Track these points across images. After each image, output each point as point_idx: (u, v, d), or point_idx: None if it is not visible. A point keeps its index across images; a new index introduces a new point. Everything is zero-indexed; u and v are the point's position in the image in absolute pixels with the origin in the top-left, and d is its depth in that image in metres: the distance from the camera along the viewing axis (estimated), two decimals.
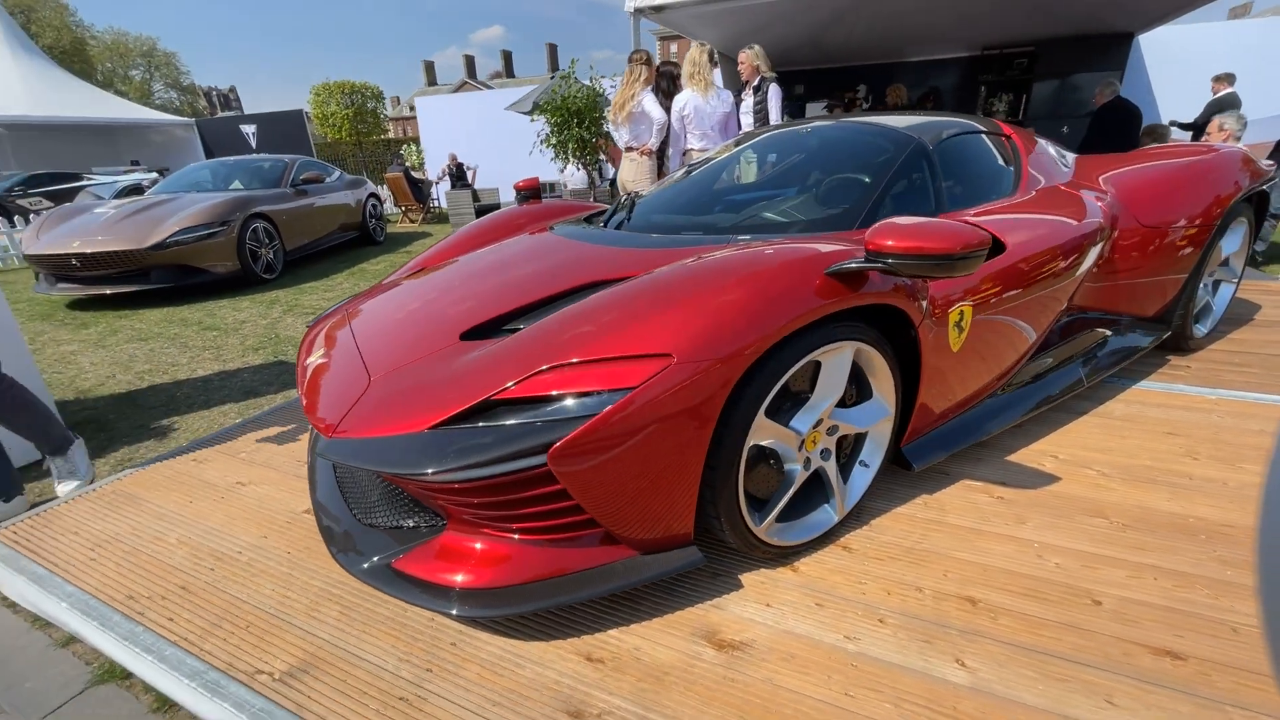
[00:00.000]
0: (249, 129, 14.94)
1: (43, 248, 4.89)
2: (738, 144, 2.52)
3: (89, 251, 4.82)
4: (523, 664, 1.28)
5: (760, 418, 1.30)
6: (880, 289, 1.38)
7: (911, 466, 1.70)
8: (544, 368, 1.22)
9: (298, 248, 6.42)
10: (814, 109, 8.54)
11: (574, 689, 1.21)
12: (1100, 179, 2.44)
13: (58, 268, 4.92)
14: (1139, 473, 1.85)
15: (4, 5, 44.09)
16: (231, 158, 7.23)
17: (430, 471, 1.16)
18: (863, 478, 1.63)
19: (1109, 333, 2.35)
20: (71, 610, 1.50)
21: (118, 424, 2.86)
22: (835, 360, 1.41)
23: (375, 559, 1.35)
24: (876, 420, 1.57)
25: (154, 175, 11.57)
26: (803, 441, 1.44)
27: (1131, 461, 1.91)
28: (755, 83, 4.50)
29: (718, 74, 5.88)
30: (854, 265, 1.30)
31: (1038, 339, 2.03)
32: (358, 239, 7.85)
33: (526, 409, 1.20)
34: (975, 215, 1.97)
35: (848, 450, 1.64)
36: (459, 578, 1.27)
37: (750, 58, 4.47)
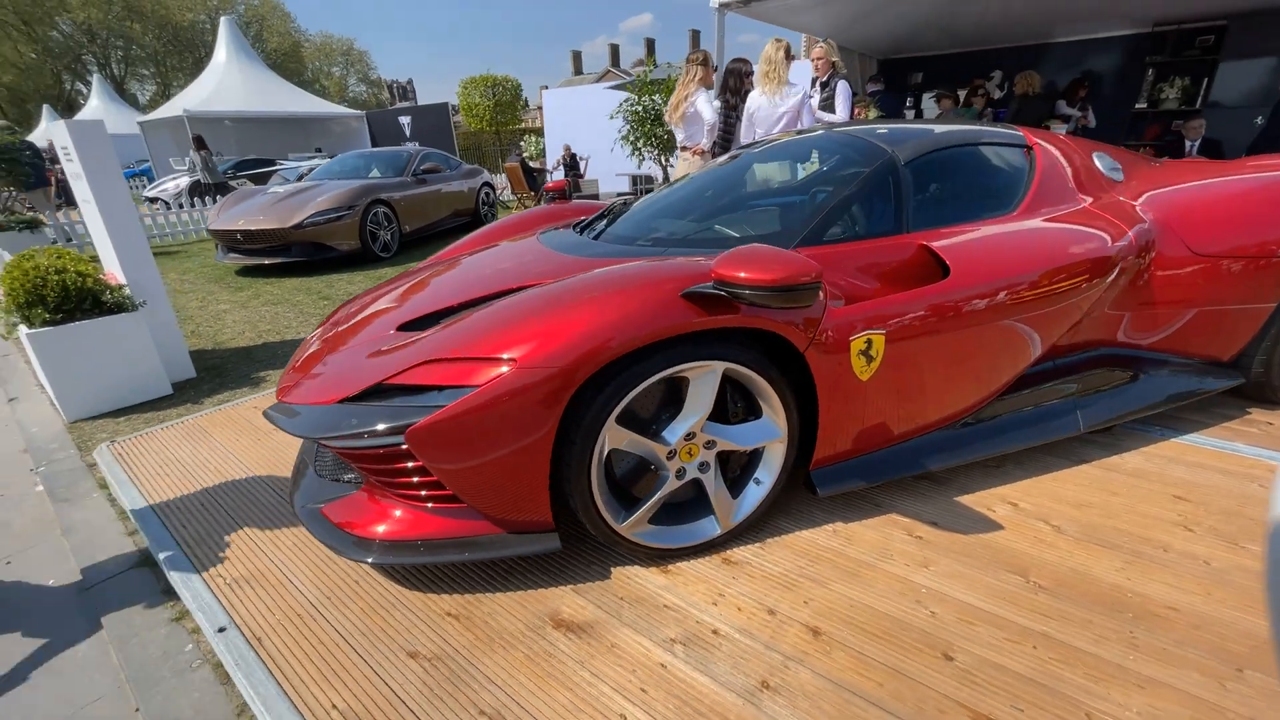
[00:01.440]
0: (405, 120, 16.85)
1: (219, 224, 6.08)
2: (731, 156, 2.51)
3: (249, 228, 5.90)
4: (399, 608, 1.52)
5: (612, 424, 1.40)
6: (747, 313, 1.40)
7: (816, 491, 1.68)
8: (421, 361, 1.43)
9: (414, 230, 7.27)
10: (930, 102, 7.79)
11: (427, 636, 1.42)
12: (1142, 199, 2.11)
13: (228, 240, 6.08)
14: (1103, 535, 1.66)
15: (243, 15, 53.13)
16: (370, 149, 8.32)
17: (323, 437, 1.43)
18: (754, 495, 1.65)
19: (1130, 374, 2.06)
20: (136, 510, 2.01)
21: (230, 371, 3.57)
22: (703, 378, 1.45)
23: (310, 503, 1.66)
24: (762, 440, 1.58)
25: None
26: (674, 451, 1.51)
27: (1103, 522, 1.71)
28: (825, 78, 4.32)
29: (804, 68, 5.69)
30: (704, 289, 1.34)
31: (1010, 373, 1.85)
32: (470, 223, 8.64)
33: (404, 395, 1.42)
34: (945, 235, 1.85)
35: (741, 466, 1.67)
36: (361, 528, 1.53)
37: (827, 52, 4.29)
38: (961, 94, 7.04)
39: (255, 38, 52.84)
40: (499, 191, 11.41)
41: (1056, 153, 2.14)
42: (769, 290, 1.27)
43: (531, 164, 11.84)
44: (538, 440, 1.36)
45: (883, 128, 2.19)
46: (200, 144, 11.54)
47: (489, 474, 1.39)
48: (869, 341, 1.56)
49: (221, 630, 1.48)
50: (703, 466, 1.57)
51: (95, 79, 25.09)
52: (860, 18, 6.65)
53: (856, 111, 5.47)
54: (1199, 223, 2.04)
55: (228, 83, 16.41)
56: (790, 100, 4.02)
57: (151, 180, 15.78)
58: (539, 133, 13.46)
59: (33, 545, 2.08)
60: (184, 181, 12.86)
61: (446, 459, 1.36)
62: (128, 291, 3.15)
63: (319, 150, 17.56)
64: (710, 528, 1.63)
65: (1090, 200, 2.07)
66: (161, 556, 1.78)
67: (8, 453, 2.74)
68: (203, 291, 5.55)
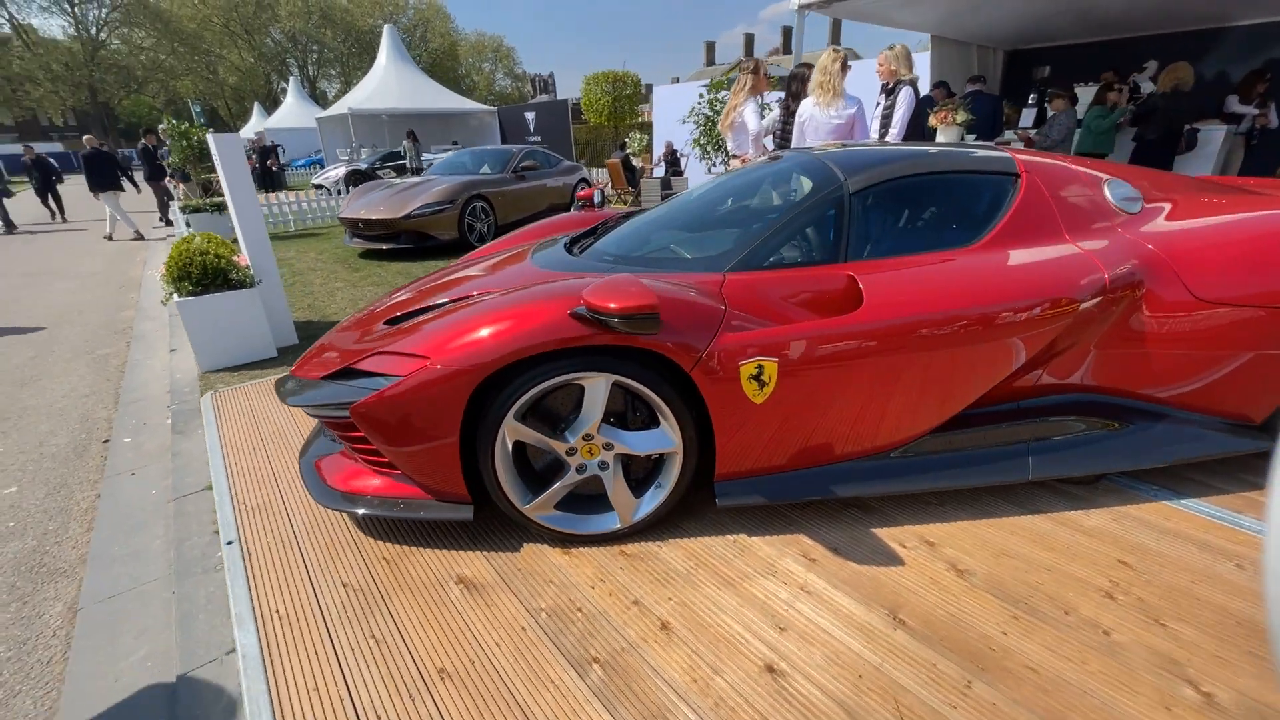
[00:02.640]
0: (530, 115, 18.02)
1: (347, 212, 7.09)
2: (716, 177, 2.59)
3: (368, 218, 6.83)
4: (350, 548, 1.88)
5: (510, 420, 1.64)
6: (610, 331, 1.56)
7: (716, 500, 1.80)
8: (377, 352, 1.76)
9: (510, 222, 7.92)
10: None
11: (361, 572, 1.77)
12: (1155, 234, 1.91)
13: (353, 227, 7.08)
14: (1007, 588, 1.61)
15: (412, 19, 58.80)
16: (481, 148, 9.12)
17: (301, 405, 1.82)
18: (653, 498, 1.80)
19: (1115, 425, 1.90)
20: (212, 447, 2.60)
21: None
22: (594, 387, 1.64)
23: (313, 458, 2.09)
24: (657, 448, 1.73)
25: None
26: (574, 449, 1.72)
27: (1016, 576, 1.65)
28: (891, 85, 4.14)
29: (862, 78, 5.45)
30: (580, 311, 1.53)
31: (942, 409, 1.81)
32: None
33: (361, 377, 1.76)
34: (884, 267, 1.85)
35: (647, 470, 1.83)
36: (334, 480, 1.92)
37: (888, 59, 4.11)
38: (1084, 90, 6.25)
39: (420, 39, 58.78)
40: (600, 187, 11.96)
41: (1047, 182, 1.99)
42: (613, 317, 1.43)
43: (634, 160, 12.21)
44: (446, 426, 1.63)
45: (861, 151, 2.17)
46: (412, 136, 13.80)
47: (411, 449, 1.69)
48: (760, 367, 1.64)
49: (230, 543, 1.94)
50: (602, 465, 1.76)
51: (292, 80, 29.42)
52: (974, 7, 6.10)
53: (942, 116, 5.12)
54: (1211, 264, 1.82)
55: (385, 83, 18.58)
56: (845, 112, 3.92)
57: (324, 169, 18.41)
58: (643, 128, 13.82)
59: (152, 464, 2.75)
60: (342, 170, 14.87)
61: (378, 433, 1.68)
62: (250, 271, 3.92)
63: (455, 143, 19.32)
64: (611, 522, 1.81)
65: (1078, 235, 1.92)
66: (215, 486, 2.32)
67: (157, 393, 3.57)
68: (328, 270, 6.54)
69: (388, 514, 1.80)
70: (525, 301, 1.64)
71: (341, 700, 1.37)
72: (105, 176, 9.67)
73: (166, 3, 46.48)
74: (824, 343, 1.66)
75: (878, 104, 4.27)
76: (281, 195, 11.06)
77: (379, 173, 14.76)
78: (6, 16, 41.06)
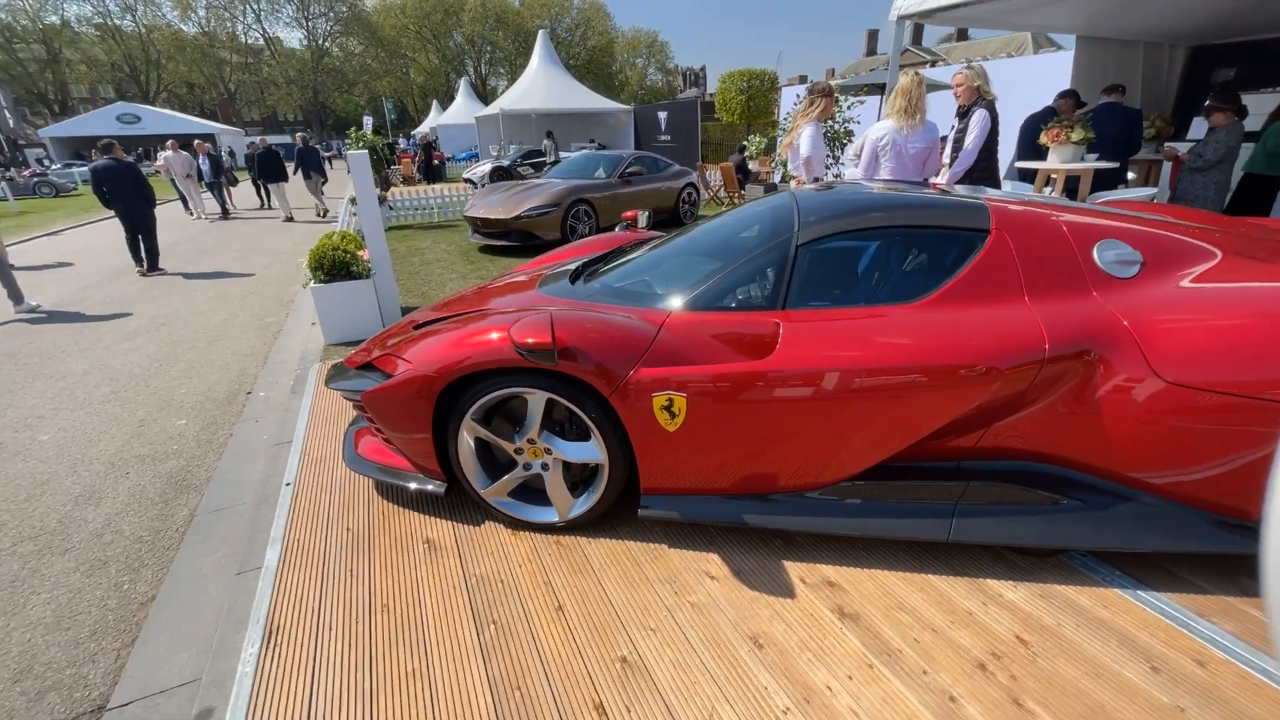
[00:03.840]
0: (662, 115, 18.50)
1: (470, 211, 8.05)
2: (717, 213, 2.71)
3: (487, 216, 7.70)
4: (362, 503, 2.40)
5: (468, 420, 2.02)
6: (562, 360, 1.85)
7: (638, 512, 2.04)
8: (388, 354, 2.24)
9: (612, 224, 8.44)
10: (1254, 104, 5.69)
11: (360, 522, 2.27)
12: (1143, 303, 1.78)
13: (474, 224, 8.02)
14: (880, 639, 1.68)
15: (574, 18, 61.95)
16: (600, 152, 9.73)
17: (334, 388, 2.35)
18: (586, 500, 2.09)
19: (1064, 499, 1.82)
20: (305, 409, 3.33)
21: None
22: (535, 400, 1.96)
23: (353, 427, 2.65)
24: (585, 458, 2.01)
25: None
26: (520, 449, 2.07)
27: (897, 631, 1.71)
28: (967, 106, 3.89)
29: (940, 99, 5.08)
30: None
31: (858, 457, 1.86)
32: (669, 220, 9.53)
33: (374, 372, 2.25)
34: (817, 318, 1.95)
35: (587, 475, 2.12)
36: (359, 447, 2.46)
37: (968, 77, 3.86)
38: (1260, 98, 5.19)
39: (580, 38, 62.01)
40: (715, 189, 12.07)
41: (1020, 240, 1.92)
42: (520, 349, 1.74)
43: (751, 164, 12.15)
44: (420, 419, 2.06)
45: (835, 197, 2.23)
46: (550, 135, 15.32)
47: (398, 433, 2.15)
48: (671, 400, 1.85)
49: (288, 484, 2.57)
50: (545, 466, 2.08)
51: (462, 80, 32.82)
52: (1127, 7, 5.33)
53: (1054, 134, 4.65)
54: (1188, 343, 1.67)
55: (535, 85, 20.16)
56: (928, 137, 3.78)
57: (476, 163, 20.53)
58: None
59: (272, 415, 3.57)
60: (488, 166, 16.51)
61: (376, 417, 2.16)
62: (368, 264, 4.76)
63: (592, 140, 20.46)
64: (550, 515, 2.13)
65: (1041, 298, 1.84)
66: (295, 438, 3.01)
67: (291, 359, 4.52)
68: (448, 262, 7.51)
69: (386, 479, 2.29)
70: (487, 326, 2.00)
71: (314, 610, 1.86)
72: (273, 171, 11.97)
73: (376, 15, 54.07)
74: (730, 384, 1.83)
75: (952, 126, 4.03)
76: (438, 188, 12.69)
77: (519, 169, 16.17)
78: (260, 31, 50.57)
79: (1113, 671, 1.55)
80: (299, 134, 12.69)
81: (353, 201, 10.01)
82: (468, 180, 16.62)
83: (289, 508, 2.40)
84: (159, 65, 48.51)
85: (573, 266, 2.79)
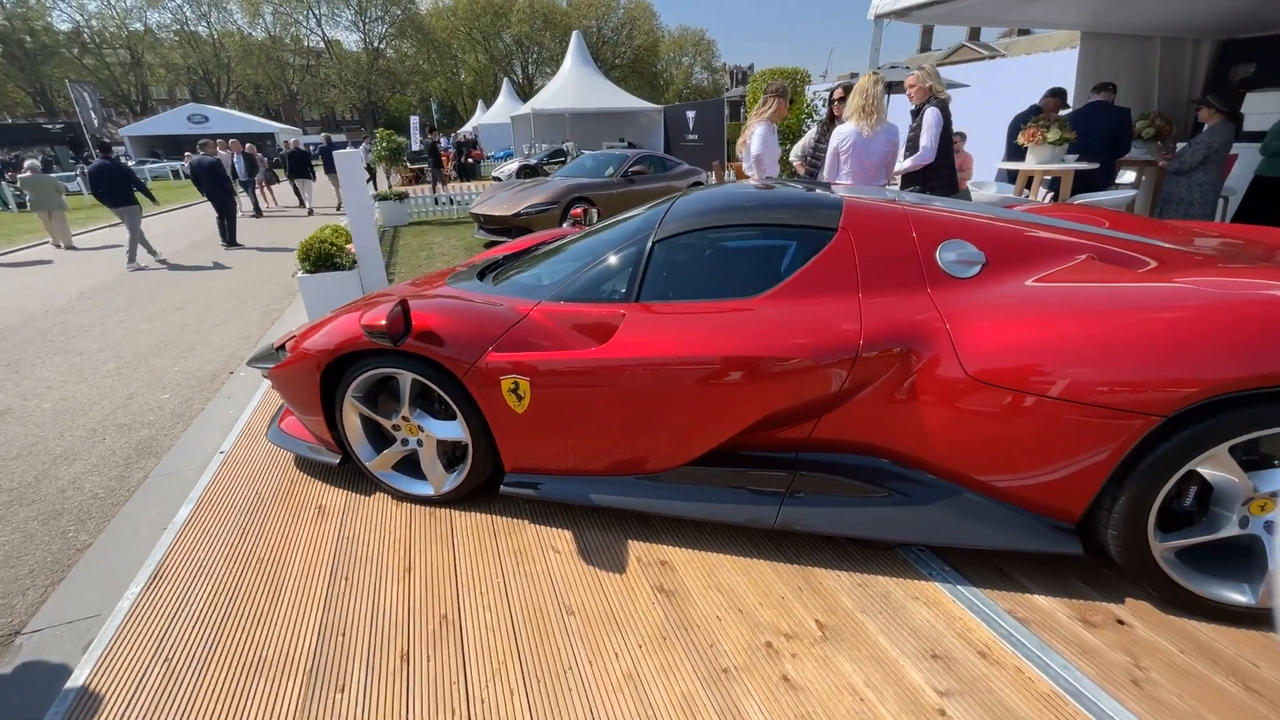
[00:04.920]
0: (691, 114, 18.51)
1: (475, 208, 8.36)
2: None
3: (489, 213, 7.99)
4: (277, 466, 2.64)
5: (349, 397, 2.21)
6: (417, 343, 2.02)
7: (500, 488, 2.19)
8: (293, 335, 2.46)
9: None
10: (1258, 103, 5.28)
11: (272, 484, 2.51)
12: (976, 303, 1.81)
13: (479, 220, 8.32)
14: (685, 616, 1.77)
15: (620, 18, 62.27)
16: (603, 151, 9.89)
17: (251, 365, 2.59)
18: (457, 476, 2.25)
19: (890, 493, 1.87)
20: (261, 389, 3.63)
21: None
22: (404, 380, 2.14)
23: (283, 404, 2.90)
24: (451, 436, 2.17)
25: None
26: (397, 426, 2.25)
27: (705, 610, 1.80)
28: (917, 106, 3.86)
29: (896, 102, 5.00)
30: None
31: (690, 444, 1.96)
32: None
33: (283, 352, 2.48)
34: (665, 310, 2.05)
35: (460, 452, 2.28)
36: (283, 423, 2.69)
37: (920, 78, 3.82)
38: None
39: (625, 37, 62.35)
40: None
41: (863, 238, 1.96)
42: (366, 331, 1.91)
43: None
44: (312, 395, 2.27)
45: (703, 198, 2.31)
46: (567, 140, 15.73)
47: (297, 407, 2.37)
48: (516, 384, 1.99)
49: (221, 453, 2.84)
50: (420, 443, 2.25)
51: (505, 81, 33.58)
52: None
53: (1030, 134, 4.52)
54: (1002, 343, 1.69)
55: (567, 85, 20.50)
56: (889, 138, 3.78)
57: (507, 161, 21.05)
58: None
59: (242, 394, 3.87)
60: (516, 165, 16.93)
61: (281, 393, 2.38)
62: (353, 257, 5.07)
63: (622, 140, 20.65)
64: (426, 488, 2.30)
65: (874, 295, 1.89)
66: (243, 415, 3.29)
67: None
68: (452, 255, 7.83)
69: (292, 450, 2.51)
70: (357, 314, 2.19)
71: (199, 561, 2.08)
72: (302, 169, 12.75)
73: (428, 18, 56.01)
74: (567, 371, 1.95)
75: (909, 127, 3.99)
76: (466, 185, 13.17)
77: (545, 168, 16.52)
78: (320, 35, 53.14)
79: (889, 656, 1.60)
80: (291, 139, 13.64)
81: (380, 198, 10.54)
82: (496, 178, 17.08)
83: (214, 473, 2.66)
84: (229, 69, 51.63)
85: (483, 265, 2.96)
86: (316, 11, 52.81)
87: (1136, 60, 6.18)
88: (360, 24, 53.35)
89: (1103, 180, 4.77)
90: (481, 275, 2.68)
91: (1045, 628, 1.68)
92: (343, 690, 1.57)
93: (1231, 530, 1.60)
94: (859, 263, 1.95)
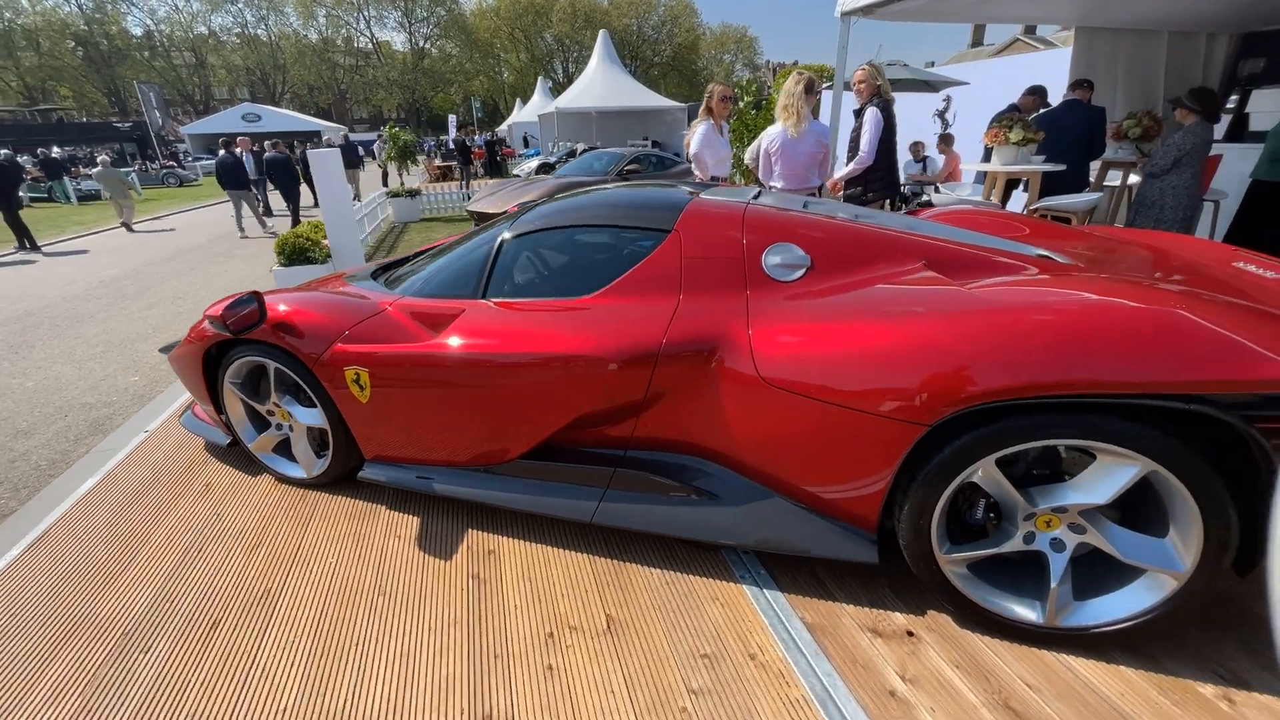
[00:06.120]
0: None
1: (471, 205, 8.57)
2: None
3: (484, 211, 8.18)
4: (188, 448, 2.82)
5: (227, 384, 2.36)
6: (272, 333, 2.14)
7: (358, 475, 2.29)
8: (206, 315, 2.62)
9: None
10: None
11: (177, 463, 2.69)
12: (774, 306, 1.81)
13: (474, 217, 8.53)
14: (471, 607, 1.84)
15: (660, 15, 62.09)
16: (604, 150, 9.98)
17: (160, 351, 2.78)
18: (323, 459, 2.37)
19: (705, 495, 1.88)
20: None
21: None
22: (270, 367, 2.26)
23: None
24: (312, 423, 2.28)
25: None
26: (271, 411, 2.38)
27: (526, 597, 1.86)
28: (861, 105, 3.78)
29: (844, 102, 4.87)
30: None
31: (513, 438, 2.01)
32: None
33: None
34: (506, 307, 2.11)
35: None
36: (195, 408, 2.87)
37: (868, 74, 3.75)
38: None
39: (666, 35, 62.24)
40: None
41: (693, 241, 1.96)
42: (208, 320, 2.03)
43: None
44: (196, 380, 2.43)
45: (556, 204, 2.36)
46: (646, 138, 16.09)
47: (191, 391, 2.53)
48: (358, 374, 2.08)
49: (145, 432, 3.05)
50: (290, 428, 2.38)
51: (539, 79, 34.05)
52: None
53: (992, 134, 4.36)
54: (792, 346, 1.68)
55: (594, 84, 20.65)
56: (814, 139, 3.75)
57: (532, 159, 21.37)
58: None
59: None
60: (535, 163, 17.19)
61: (179, 377, 2.55)
62: (327, 251, 5.31)
63: (646, 138, 20.69)
64: (298, 471, 2.43)
65: (695, 297, 1.90)
66: (177, 400, 3.51)
67: None
68: None
69: (193, 431, 2.69)
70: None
71: (80, 529, 2.26)
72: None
73: (472, 19, 57.33)
74: (401, 363, 2.04)
75: (854, 126, 3.91)
76: (486, 182, 13.51)
77: (558, 166, 16.72)
78: (369, 36, 55.12)
79: (659, 653, 1.63)
80: (327, 138, 14.17)
81: (392, 195, 10.91)
82: (516, 175, 17.37)
83: (130, 451, 2.86)
84: (284, 70, 54.11)
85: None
86: (366, 14, 54.80)
87: (1138, 56, 5.84)
88: (406, 24, 55.02)
89: (1076, 183, 4.56)
90: (376, 275, 2.80)
91: (829, 635, 1.67)
92: (146, 651, 1.70)
93: (1016, 545, 1.56)
94: (684, 264, 1.96)
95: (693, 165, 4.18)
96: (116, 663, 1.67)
